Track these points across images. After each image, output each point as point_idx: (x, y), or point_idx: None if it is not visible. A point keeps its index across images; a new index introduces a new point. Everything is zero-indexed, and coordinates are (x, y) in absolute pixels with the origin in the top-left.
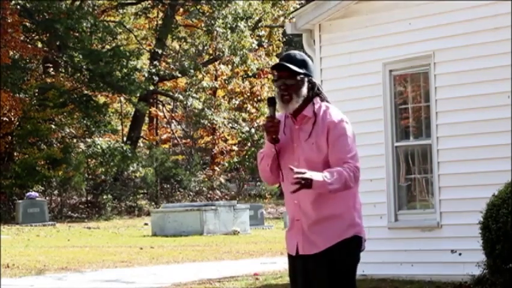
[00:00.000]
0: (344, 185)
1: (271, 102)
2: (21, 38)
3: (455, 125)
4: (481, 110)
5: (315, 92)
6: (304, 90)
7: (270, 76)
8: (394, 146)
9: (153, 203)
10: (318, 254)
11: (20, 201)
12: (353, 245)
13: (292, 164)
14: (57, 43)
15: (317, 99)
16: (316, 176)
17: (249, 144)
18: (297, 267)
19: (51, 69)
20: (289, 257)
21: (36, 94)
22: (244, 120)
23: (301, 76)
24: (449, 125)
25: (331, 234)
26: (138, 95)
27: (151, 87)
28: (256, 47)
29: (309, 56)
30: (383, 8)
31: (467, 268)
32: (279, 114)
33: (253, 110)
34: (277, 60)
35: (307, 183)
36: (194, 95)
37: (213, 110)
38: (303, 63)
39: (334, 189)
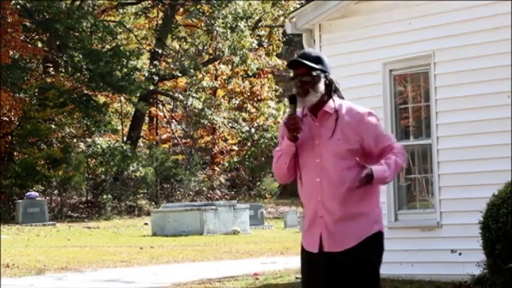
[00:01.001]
0: (397, 171)
1: (292, 100)
2: (21, 38)
3: (455, 124)
4: (481, 110)
5: (333, 88)
6: (321, 86)
7: (270, 76)
8: None
9: (153, 203)
10: (344, 252)
11: (20, 201)
12: (376, 242)
13: (313, 160)
14: (57, 43)
15: (336, 96)
16: (376, 173)
17: (249, 144)
18: (318, 264)
19: (51, 69)
20: (308, 254)
21: (36, 94)
22: (244, 120)
23: (317, 72)
24: (449, 125)
25: (359, 232)
26: (138, 94)
27: (151, 87)
28: (256, 47)
29: None
30: (383, 8)
31: (467, 268)
32: (297, 112)
33: (253, 110)
34: (285, 62)
35: (369, 179)
36: (194, 94)
37: (213, 109)
38: (318, 60)
39: (389, 180)
